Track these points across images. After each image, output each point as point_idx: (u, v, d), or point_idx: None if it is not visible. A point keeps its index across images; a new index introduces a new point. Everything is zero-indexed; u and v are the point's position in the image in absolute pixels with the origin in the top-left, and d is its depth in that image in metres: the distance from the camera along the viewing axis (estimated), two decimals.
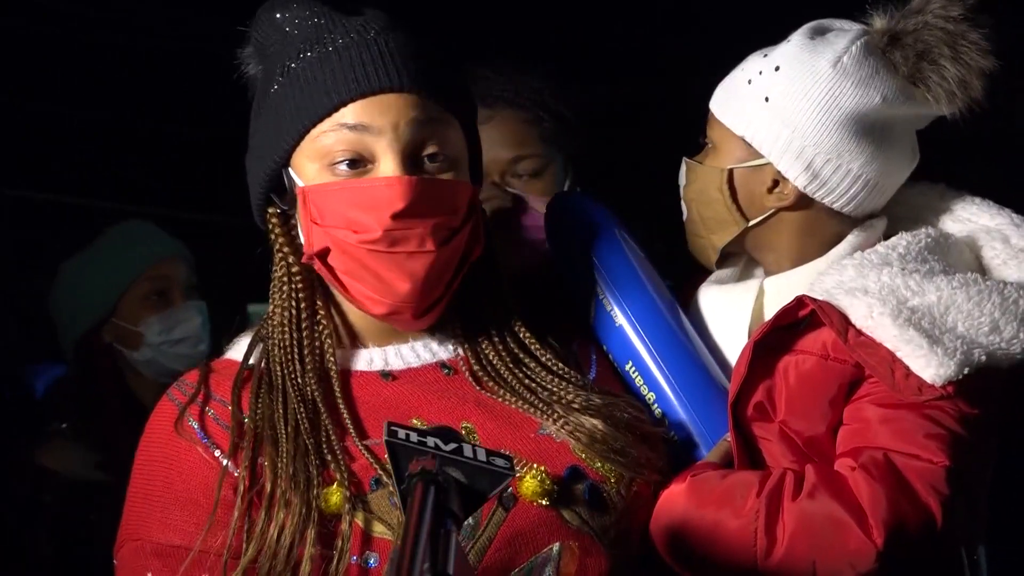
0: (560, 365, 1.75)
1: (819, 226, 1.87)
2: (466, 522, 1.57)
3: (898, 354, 1.66)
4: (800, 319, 1.75)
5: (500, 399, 1.71)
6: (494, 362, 1.73)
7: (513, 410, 1.70)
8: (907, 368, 1.65)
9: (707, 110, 1.94)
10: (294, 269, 1.73)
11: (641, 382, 1.84)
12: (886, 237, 1.86)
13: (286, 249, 1.73)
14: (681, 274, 2.09)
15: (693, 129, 2.03)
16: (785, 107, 1.81)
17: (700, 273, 2.02)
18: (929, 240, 1.81)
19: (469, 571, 1.52)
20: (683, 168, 1.95)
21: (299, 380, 1.68)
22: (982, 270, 1.84)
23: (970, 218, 1.89)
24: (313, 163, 1.65)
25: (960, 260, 1.83)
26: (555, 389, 1.71)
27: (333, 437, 1.64)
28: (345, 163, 1.63)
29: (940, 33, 1.80)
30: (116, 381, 2.99)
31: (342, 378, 1.71)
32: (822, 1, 2.00)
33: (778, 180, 1.85)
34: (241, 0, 1.79)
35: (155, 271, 3.05)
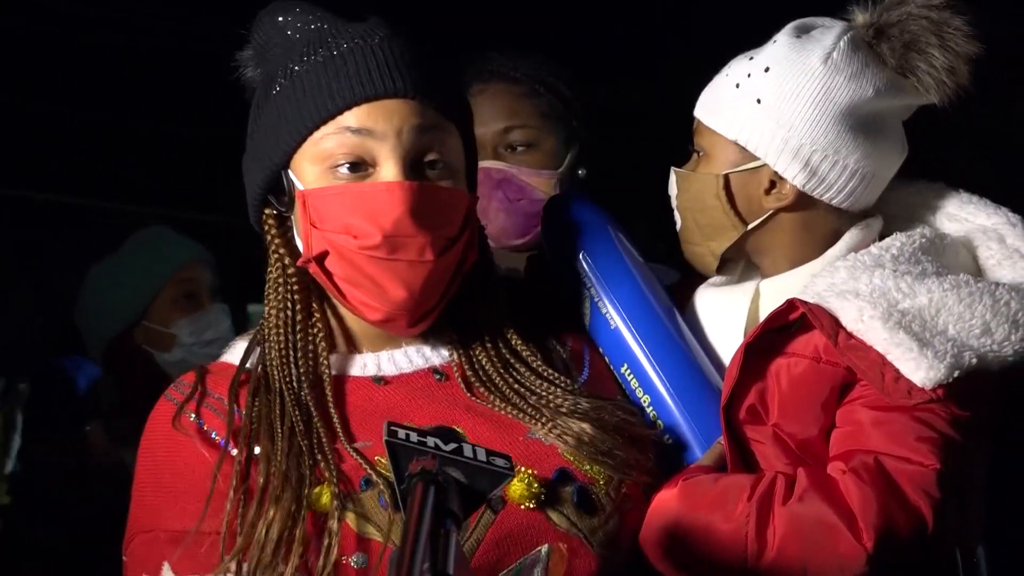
0: (550, 370, 1.75)
1: (818, 224, 1.86)
2: None
3: (888, 357, 1.65)
4: (791, 322, 1.74)
5: (490, 405, 1.71)
6: (486, 367, 1.73)
7: (502, 416, 1.70)
8: (897, 371, 1.64)
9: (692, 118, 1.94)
10: (290, 271, 1.72)
11: (636, 384, 1.84)
12: (882, 237, 1.86)
13: (282, 251, 1.73)
14: (681, 272, 2.08)
15: (690, 129, 2.03)
16: (778, 107, 1.81)
17: (696, 276, 2.01)
18: (924, 241, 1.80)
19: (469, 571, 1.52)
20: (673, 178, 1.93)
21: (294, 384, 1.68)
22: (978, 270, 1.84)
23: (967, 217, 1.89)
24: (314, 166, 1.65)
25: (955, 261, 1.82)
26: (544, 394, 1.71)
27: (324, 440, 1.64)
28: (346, 166, 1.63)
29: (925, 22, 1.80)
30: (149, 382, 3.04)
31: (336, 382, 1.71)
32: (819, 1, 2.00)
33: (775, 181, 1.84)
34: (241, 0, 1.79)
35: (184, 274, 3.09)
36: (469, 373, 1.72)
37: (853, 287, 1.72)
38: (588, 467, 1.66)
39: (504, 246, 2.26)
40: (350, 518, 1.58)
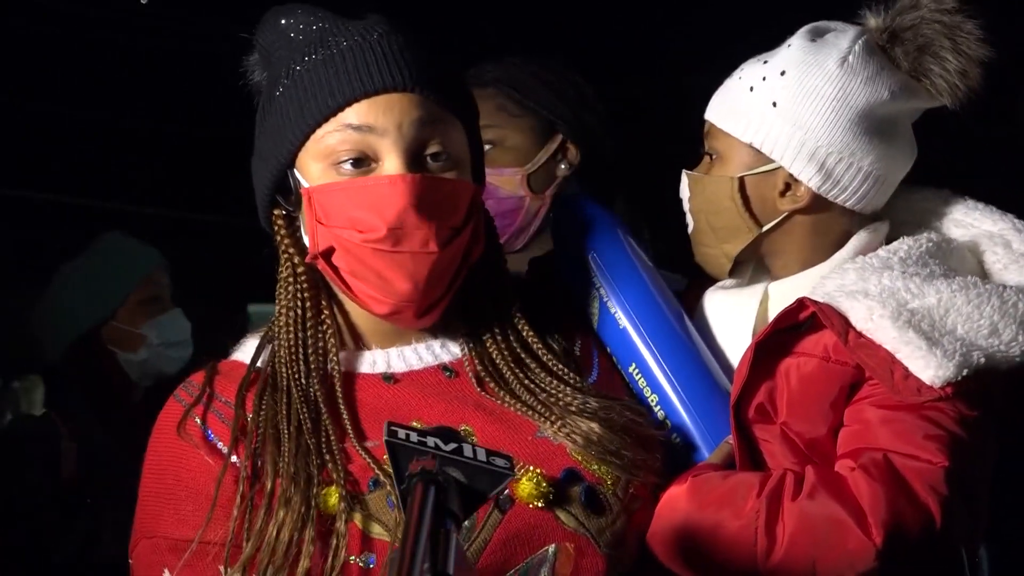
0: (560, 366, 1.75)
1: (831, 226, 1.87)
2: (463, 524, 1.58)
3: (897, 355, 1.65)
4: (801, 321, 1.74)
5: (500, 402, 1.71)
6: (496, 361, 1.73)
7: (512, 413, 1.70)
8: (906, 369, 1.64)
9: (703, 121, 1.93)
10: (299, 270, 1.73)
11: (644, 384, 1.83)
12: (889, 241, 1.86)
13: (291, 251, 1.73)
14: (683, 272, 2.08)
15: (693, 129, 2.03)
16: (795, 109, 1.81)
17: (704, 278, 2.01)
18: (931, 244, 1.81)
19: (469, 571, 1.52)
20: (685, 181, 1.93)
21: (303, 381, 1.68)
22: (984, 275, 1.84)
23: (973, 223, 1.89)
24: (318, 163, 1.65)
25: (962, 265, 1.83)
26: (553, 391, 1.71)
27: (333, 438, 1.64)
28: (349, 162, 1.63)
29: (938, 26, 1.80)
30: (110, 379, 3.09)
31: (345, 380, 1.71)
32: (819, 0, 2.00)
33: (790, 183, 1.85)
34: (241, 0, 1.79)
35: (151, 278, 3.15)
36: (480, 368, 1.72)
37: (863, 287, 1.73)
38: (596, 467, 1.66)
39: None
40: (357, 518, 1.58)
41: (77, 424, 2.92)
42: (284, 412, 1.65)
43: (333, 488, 1.58)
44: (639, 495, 1.68)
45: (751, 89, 1.84)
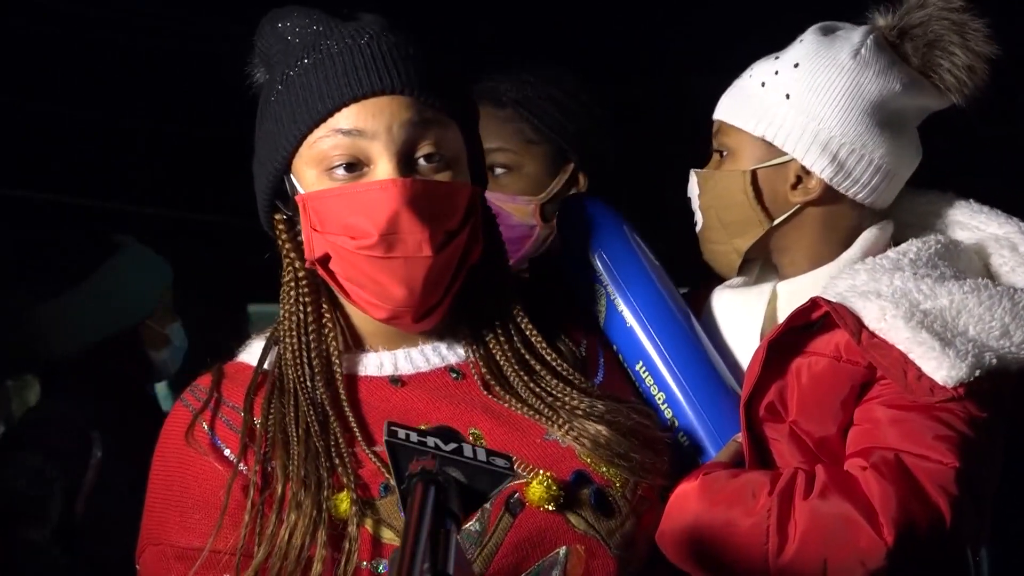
0: (565, 366, 1.75)
1: (840, 220, 1.88)
2: (473, 528, 1.58)
3: (910, 356, 1.67)
4: (813, 321, 1.75)
5: (507, 405, 1.71)
6: (501, 364, 1.73)
7: (520, 416, 1.70)
8: (919, 370, 1.66)
9: (711, 120, 1.94)
10: (300, 274, 1.73)
11: (651, 382, 1.84)
12: (894, 243, 1.87)
13: (292, 255, 1.73)
14: (684, 272, 2.08)
15: (693, 129, 2.03)
16: (808, 101, 1.84)
17: (714, 279, 2.01)
18: (939, 246, 1.83)
19: (469, 571, 1.52)
20: (694, 179, 1.94)
21: (308, 384, 1.68)
22: (991, 277, 1.85)
23: (978, 226, 1.91)
24: (311, 169, 1.65)
25: (969, 267, 1.84)
26: (559, 395, 1.71)
27: (342, 442, 1.64)
28: (342, 167, 1.63)
29: (947, 23, 1.84)
30: (138, 375, 3.16)
31: (350, 383, 1.71)
32: (820, 1, 2.01)
33: (801, 175, 1.87)
34: (241, 0, 1.79)
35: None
36: (485, 371, 1.71)
37: (875, 288, 1.74)
38: (605, 469, 1.67)
39: None
40: (368, 523, 1.58)
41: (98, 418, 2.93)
42: (292, 415, 1.65)
43: (344, 494, 1.58)
44: (647, 497, 1.68)
45: (762, 85, 1.86)
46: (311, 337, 1.70)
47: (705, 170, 1.92)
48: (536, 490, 1.60)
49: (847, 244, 1.87)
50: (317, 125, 1.63)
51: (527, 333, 1.75)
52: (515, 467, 1.60)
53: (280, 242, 1.73)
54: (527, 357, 1.73)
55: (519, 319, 1.75)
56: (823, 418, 1.73)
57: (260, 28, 1.74)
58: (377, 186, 1.60)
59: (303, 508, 1.57)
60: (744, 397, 1.75)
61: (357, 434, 1.64)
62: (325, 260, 1.66)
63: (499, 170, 2.22)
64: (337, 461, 1.61)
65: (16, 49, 4.07)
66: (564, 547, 1.61)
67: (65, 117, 4.52)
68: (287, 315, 1.72)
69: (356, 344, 1.74)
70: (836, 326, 1.72)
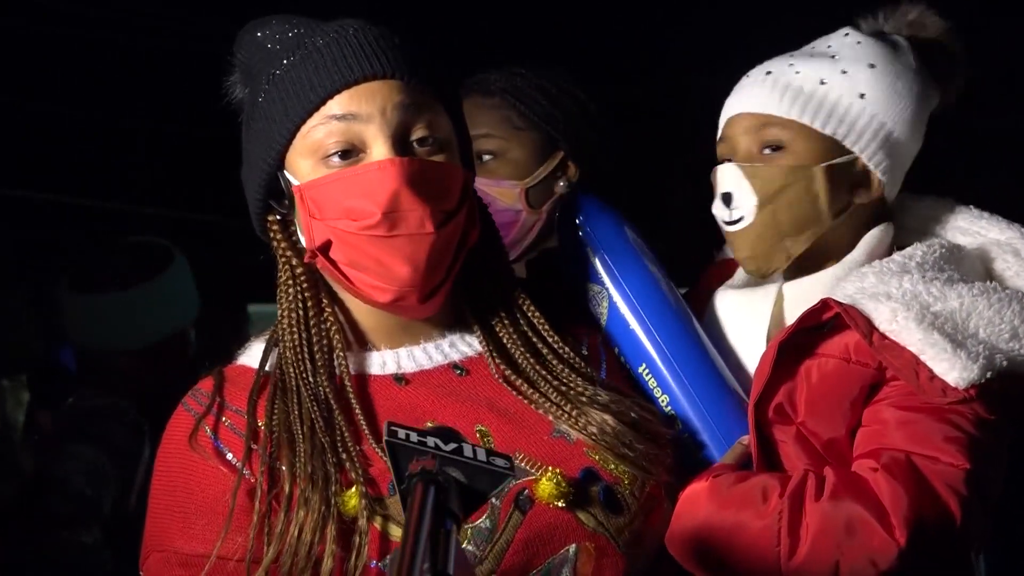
0: (568, 351, 1.74)
1: (870, 219, 1.88)
2: (484, 525, 1.57)
3: (922, 357, 1.66)
4: (824, 322, 1.74)
5: (518, 395, 1.70)
6: (511, 350, 1.72)
7: (526, 412, 1.69)
8: (931, 371, 1.65)
9: (711, 120, 1.92)
10: (298, 271, 1.72)
11: (654, 384, 1.83)
12: (897, 247, 1.86)
13: (288, 253, 1.72)
14: (684, 272, 2.07)
15: (693, 129, 2.03)
16: (886, 102, 1.84)
17: (711, 274, 2.00)
18: (943, 251, 1.82)
19: (469, 571, 1.52)
20: (735, 173, 1.86)
21: (311, 380, 1.68)
22: (993, 281, 1.85)
23: (979, 231, 1.90)
24: (306, 160, 1.65)
25: (972, 271, 1.83)
26: (567, 381, 1.71)
27: (348, 438, 1.63)
28: (337, 155, 1.63)
29: (950, 36, 1.87)
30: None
31: (356, 381, 1.70)
32: (820, 1, 2.01)
33: (864, 175, 1.86)
34: (241, 0, 1.79)
35: None
36: (500, 362, 1.71)
37: (884, 290, 1.73)
38: (613, 466, 1.66)
39: None
40: (377, 521, 1.57)
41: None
42: (296, 413, 1.64)
43: (353, 490, 1.58)
44: (655, 495, 1.68)
45: (822, 82, 1.84)
46: (311, 332, 1.70)
47: (757, 164, 1.86)
48: (546, 487, 1.60)
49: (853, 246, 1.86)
50: (310, 115, 1.63)
51: (531, 316, 1.74)
52: (524, 464, 1.61)
53: (275, 243, 1.73)
54: (533, 339, 1.73)
55: (522, 303, 1.75)
56: (832, 419, 1.72)
57: (239, 40, 1.74)
58: (375, 166, 1.60)
59: (311, 504, 1.56)
60: (753, 398, 1.74)
61: (365, 430, 1.64)
62: (326, 248, 1.66)
63: (486, 156, 2.21)
64: (344, 456, 1.61)
65: (16, 49, 4.08)
66: (574, 544, 1.61)
67: (65, 117, 4.53)
68: (285, 312, 1.72)
69: (358, 342, 1.74)
70: (846, 327, 1.71)
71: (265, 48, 1.70)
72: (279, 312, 1.72)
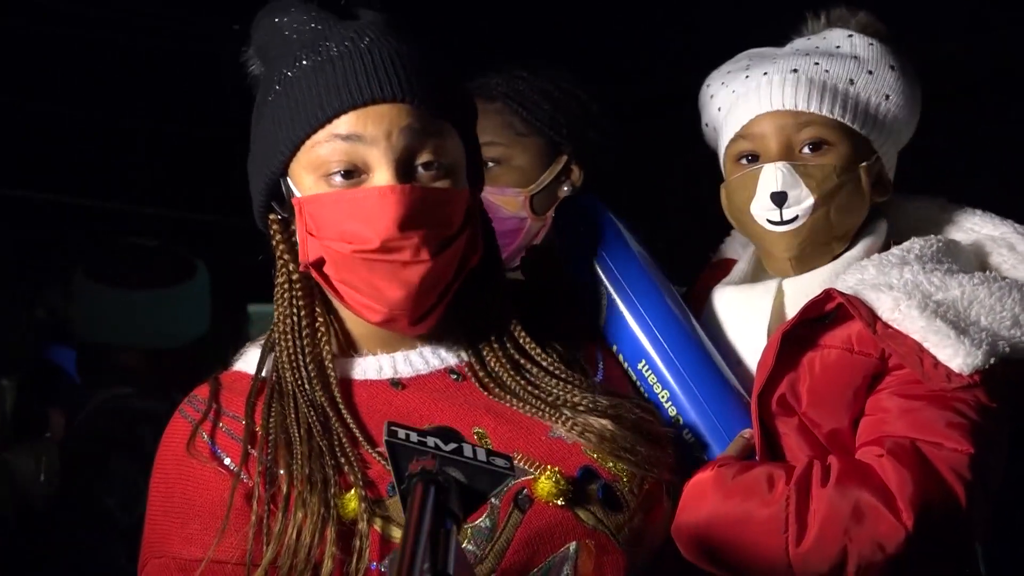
0: (562, 368, 1.75)
1: (868, 217, 1.91)
2: (484, 524, 1.58)
3: (925, 344, 1.68)
4: (826, 313, 1.75)
5: (508, 404, 1.71)
6: (495, 368, 1.73)
7: (522, 415, 1.70)
8: (935, 358, 1.67)
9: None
10: (294, 276, 1.72)
11: (654, 380, 1.84)
12: (895, 244, 1.88)
13: (286, 256, 1.73)
14: (684, 272, 2.07)
15: (694, 129, 2.02)
16: (906, 104, 1.88)
17: (708, 275, 2.00)
18: (940, 244, 1.85)
19: (469, 571, 1.52)
20: (785, 171, 1.83)
21: (307, 386, 1.68)
22: None
23: (973, 228, 1.93)
24: (309, 174, 1.64)
25: (969, 264, 1.86)
26: (560, 393, 1.71)
27: (345, 442, 1.64)
28: (340, 174, 1.63)
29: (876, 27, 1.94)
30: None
31: (349, 387, 1.70)
32: (820, 1, 2.01)
33: (880, 175, 1.89)
34: (241, 0, 1.78)
35: None
36: (482, 374, 1.71)
37: (885, 281, 1.76)
38: (612, 464, 1.67)
39: None
40: (377, 523, 1.58)
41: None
42: (292, 416, 1.64)
43: (352, 493, 1.58)
44: (654, 492, 1.68)
45: (851, 82, 1.86)
46: (305, 341, 1.70)
47: (811, 164, 1.84)
48: (544, 485, 1.60)
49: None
50: (315, 130, 1.62)
51: (520, 341, 1.74)
52: (522, 463, 1.62)
53: (275, 243, 1.73)
54: (519, 359, 1.73)
55: (513, 328, 1.75)
56: (836, 409, 1.74)
57: (257, 21, 1.73)
58: (376, 192, 1.60)
59: (309, 505, 1.57)
60: (757, 389, 1.75)
61: (359, 437, 1.64)
62: (319, 264, 1.66)
63: (490, 164, 2.20)
64: (343, 460, 1.61)
65: (16, 49, 4.08)
66: (574, 542, 1.61)
67: (65, 117, 4.53)
68: (281, 318, 1.72)
69: (354, 347, 1.74)
70: (849, 318, 1.73)
71: (283, 35, 1.68)
72: (276, 315, 1.72)
